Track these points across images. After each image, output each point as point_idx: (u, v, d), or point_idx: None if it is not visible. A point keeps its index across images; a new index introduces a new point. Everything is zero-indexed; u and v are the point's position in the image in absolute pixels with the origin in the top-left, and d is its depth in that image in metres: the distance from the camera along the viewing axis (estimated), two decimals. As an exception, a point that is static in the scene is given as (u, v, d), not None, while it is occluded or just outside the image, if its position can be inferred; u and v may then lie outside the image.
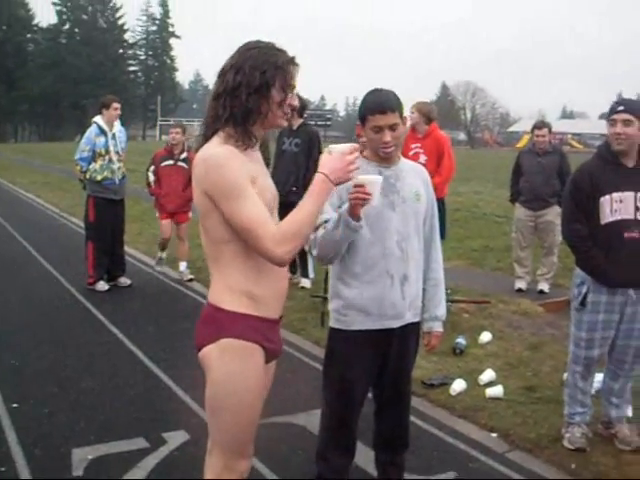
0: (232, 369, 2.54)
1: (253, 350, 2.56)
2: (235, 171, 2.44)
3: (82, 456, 4.16)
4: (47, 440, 4.39)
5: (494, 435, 4.53)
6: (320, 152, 8.33)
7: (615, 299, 4.21)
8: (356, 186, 2.86)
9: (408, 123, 7.13)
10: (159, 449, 4.26)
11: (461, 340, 6.02)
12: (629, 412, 4.56)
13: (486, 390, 5.11)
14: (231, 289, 2.57)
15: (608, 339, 4.31)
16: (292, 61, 2.57)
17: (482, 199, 18.63)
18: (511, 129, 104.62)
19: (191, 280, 8.87)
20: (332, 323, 3.34)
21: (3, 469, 4.02)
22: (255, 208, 2.43)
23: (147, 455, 4.18)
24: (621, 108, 4.14)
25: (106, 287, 8.48)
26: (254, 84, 2.48)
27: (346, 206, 3.00)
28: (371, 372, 3.34)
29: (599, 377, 4.63)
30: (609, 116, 4.21)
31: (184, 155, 8.76)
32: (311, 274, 8.41)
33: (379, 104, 3.13)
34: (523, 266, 8.46)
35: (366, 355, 3.27)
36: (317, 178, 2.51)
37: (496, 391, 5.09)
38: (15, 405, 4.93)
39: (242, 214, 2.42)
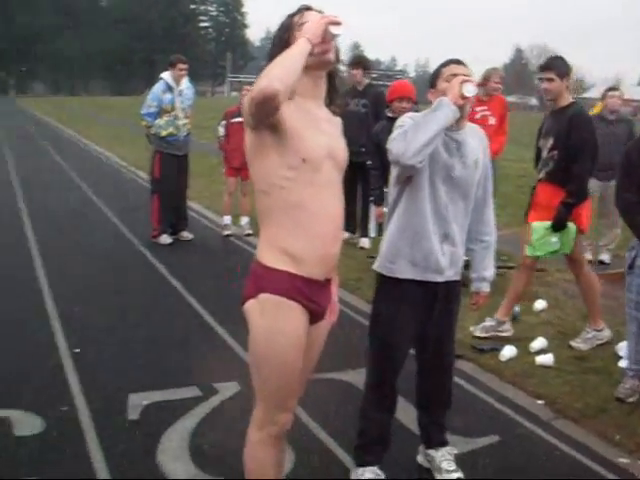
0: (269, 324, 2.60)
1: (290, 307, 2.59)
2: None
3: (137, 401, 4.35)
4: (105, 384, 4.60)
5: (541, 402, 4.55)
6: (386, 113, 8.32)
7: None
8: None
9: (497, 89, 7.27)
10: (211, 399, 4.42)
11: (515, 307, 6.01)
12: None
13: (536, 357, 5.12)
14: (271, 245, 2.62)
15: None
16: (300, 10, 2.70)
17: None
18: (585, 95, 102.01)
19: (249, 235, 9.01)
20: (379, 268, 3.44)
21: (65, 408, 4.24)
22: None
23: (199, 403, 4.34)
24: None
25: (169, 240, 8.70)
26: (276, 44, 2.65)
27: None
28: (413, 331, 3.43)
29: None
30: None
31: None
32: (372, 233, 8.44)
33: (453, 58, 3.36)
34: (587, 237, 8.34)
35: (409, 314, 3.37)
36: None
37: (546, 359, 5.09)
38: (77, 350, 5.15)
39: None
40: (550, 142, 5.25)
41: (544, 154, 5.32)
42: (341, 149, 2.77)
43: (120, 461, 3.68)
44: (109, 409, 4.26)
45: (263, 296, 2.60)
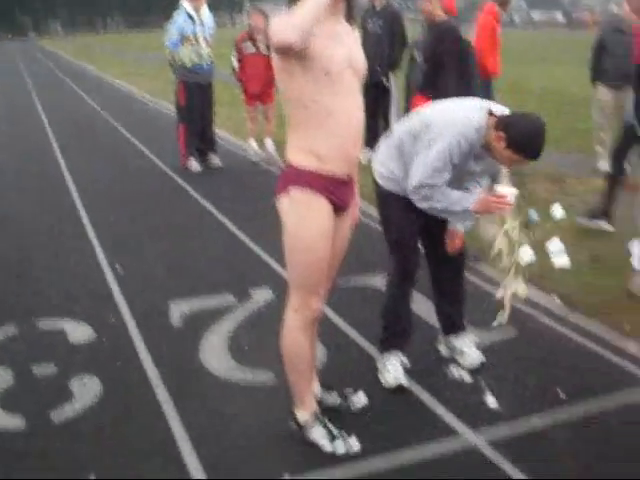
0: (299, 215, 2.92)
1: (317, 199, 2.90)
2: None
3: (178, 309, 4.71)
4: (146, 294, 4.98)
5: (557, 300, 4.80)
6: (402, 32, 8.50)
7: None
8: (499, 196, 3.29)
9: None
10: (246, 304, 4.76)
11: (532, 213, 6.15)
12: None
13: (553, 259, 5.32)
14: (299, 148, 2.92)
15: None
16: None
17: (575, 82, 18.10)
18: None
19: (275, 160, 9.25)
20: (385, 184, 3.68)
21: (113, 320, 4.59)
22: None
23: (236, 309, 4.69)
24: None
25: (199, 168, 8.97)
26: None
27: (474, 198, 3.34)
28: (418, 228, 3.70)
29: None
30: None
31: None
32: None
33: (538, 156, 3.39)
34: (607, 147, 8.43)
35: (408, 213, 3.61)
36: None
37: (563, 261, 5.28)
38: (117, 266, 5.52)
39: None
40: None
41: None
42: (360, 59, 3.00)
43: (167, 361, 4.03)
44: (152, 317, 4.62)
45: (293, 191, 2.91)
